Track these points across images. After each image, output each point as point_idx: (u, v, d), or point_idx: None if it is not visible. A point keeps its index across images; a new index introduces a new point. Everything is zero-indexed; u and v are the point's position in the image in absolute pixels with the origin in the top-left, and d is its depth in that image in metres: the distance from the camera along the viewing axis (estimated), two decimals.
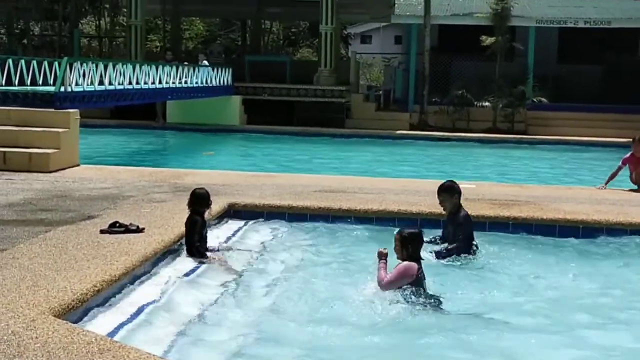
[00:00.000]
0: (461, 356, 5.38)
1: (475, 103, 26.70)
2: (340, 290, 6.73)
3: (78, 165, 12.82)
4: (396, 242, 6.62)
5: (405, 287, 6.39)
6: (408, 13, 28.96)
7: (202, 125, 24.82)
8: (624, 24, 27.26)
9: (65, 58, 13.90)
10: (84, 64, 14.79)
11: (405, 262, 6.52)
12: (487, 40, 26.10)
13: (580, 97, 27.14)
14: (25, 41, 35.63)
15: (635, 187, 11.71)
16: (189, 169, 13.60)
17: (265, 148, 21.66)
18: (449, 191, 8.07)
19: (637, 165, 11.67)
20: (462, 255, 7.78)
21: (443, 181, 8.42)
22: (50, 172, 11.87)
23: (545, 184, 13.71)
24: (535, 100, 26.50)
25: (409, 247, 6.54)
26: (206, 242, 7.60)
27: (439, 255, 7.75)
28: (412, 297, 6.29)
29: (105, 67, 15.96)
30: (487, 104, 26.42)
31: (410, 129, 26.19)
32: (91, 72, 14.80)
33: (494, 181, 14.57)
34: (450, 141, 24.02)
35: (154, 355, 4.34)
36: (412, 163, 19.12)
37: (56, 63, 14.75)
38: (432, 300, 6.33)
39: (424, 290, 6.45)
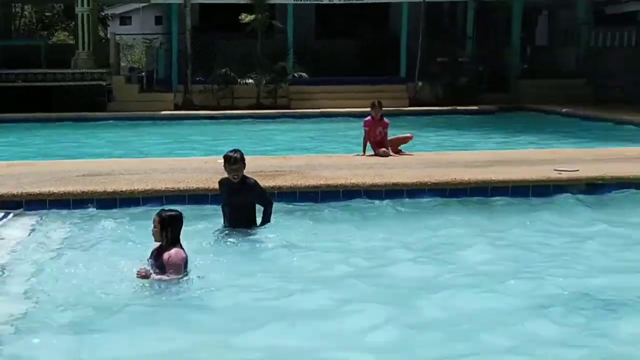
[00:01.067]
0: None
1: (239, 81, 26.95)
2: (100, 275, 6.61)
3: None
4: (155, 224, 6.47)
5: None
6: None
7: None
8: (374, 0, 28.69)
9: None
10: None
11: (174, 251, 6.39)
12: (247, 17, 26.44)
13: (337, 71, 28.26)
14: None
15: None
16: None
17: (21, 137, 20.53)
18: (241, 160, 8.06)
19: (374, 129, 12.51)
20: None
21: (227, 152, 8.24)
22: None
23: (307, 154, 14.19)
24: (295, 75, 27.24)
25: (169, 230, 6.43)
26: None
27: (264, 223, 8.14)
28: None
29: None
30: (250, 81, 26.78)
31: (175, 109, 25.96)
32: None
33: (260, 155, 14.86)
34: (215, 119, 24.14)
35: None
36: (177, 143, 19.02)
37: None
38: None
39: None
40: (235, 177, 8.03)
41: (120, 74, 28.69)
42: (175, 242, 6.45)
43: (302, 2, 28.38)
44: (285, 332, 5.38)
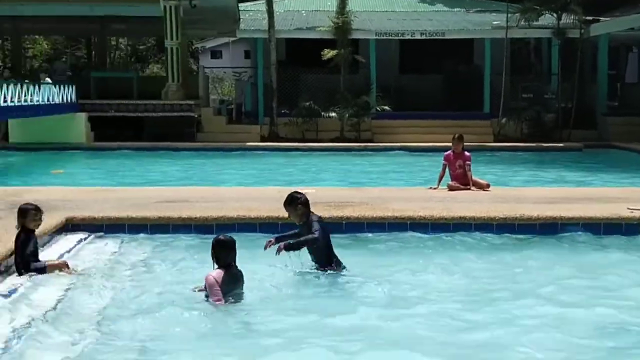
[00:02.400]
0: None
1: (323, 114, 27.41)
2: (170, 297, 6.89)
3: None
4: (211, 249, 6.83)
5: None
6: (253, 27, 29.37)
7: (47, 144, 24.21)
8: (456, 35, 28.77)
9: None
10: None
11: (208, 274, 6.66)
12: (329, 53, 26.96)
13: (421, 105, 28.40)
14: None
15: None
16: (30, 187, 13.32)
17: (113, 165, 21.40)
18: (290, 203, 7.98)
19: (454, 162, 12.52)
20: (325, 268, 7.74)
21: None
22: None
23: (381, 187, 14.33)
24: (378, 109, 27.52)
25: (215, 254, 6.74)
26: (37, 256, 7.55)
27: (288, 246, 7.62)
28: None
29: None
30: (333, 114, 27.19)
31: (261, 141, 26.60)
32: None
33: (338, 186, 15.10)
34: (299, 151, 24.59)
35: None
36: (260, 173, 19.47)
37: None
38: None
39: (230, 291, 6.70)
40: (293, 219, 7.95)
41: (210, 106, 29.56)
42: (223, 266, 6.71)
43: (384, 37, 28.68)
44: None
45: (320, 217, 8.03)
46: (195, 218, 9.55)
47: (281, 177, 18.08)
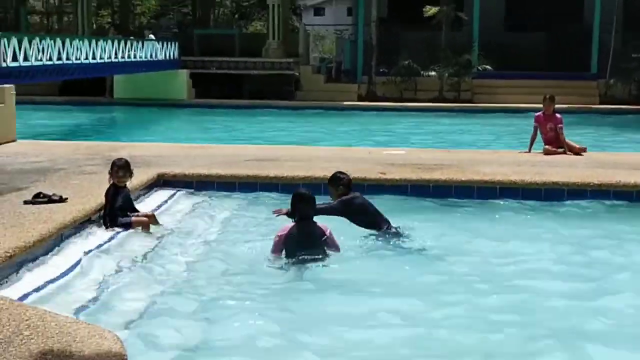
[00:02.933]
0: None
1: (423, 73, 27.00)
2: (250, 255, 6.97)
3: (14, 140, 12.86)
4: None
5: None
6: None
7: (149, 100, 24.83)
8: None
9: None
10: (19, 40, 14.76)
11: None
12: (431, 10, 26.43)
13: (525, 65, 27.56)
14: None
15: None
16: (126, 142, 13.69)
17: (212, 121, 21.78)
18: (332, 182, 8.07)
19: (545, 125, 12.09)
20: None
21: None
22: None
23: (474, 149, 14.04)
24: (480, 68, 26.89)
25: (292, 206, 7.05)
26: (126, 210, 7.75)
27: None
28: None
29: (42, 42, 15.93)
30: (433, 73, 26.75)
31: (359, 100, 26.48)
32: (24, 47, 14.76)
33: (431, 148, 14.89)
34: (396, 111, 24.36)
35: (49, 311, 4.55)
36: (354, 133, 19.42)
37: None
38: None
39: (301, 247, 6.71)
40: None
41: (309, 64, 29.58)
42: (298, 219, 6.90)
43: None
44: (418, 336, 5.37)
45: (355, 195, 7.92)
46: (283, 177, 9.60)
47: (374, 137, 17.99)
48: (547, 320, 5.49)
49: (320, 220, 7.01)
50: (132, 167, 7.90)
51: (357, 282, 6.35)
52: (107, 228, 7.45)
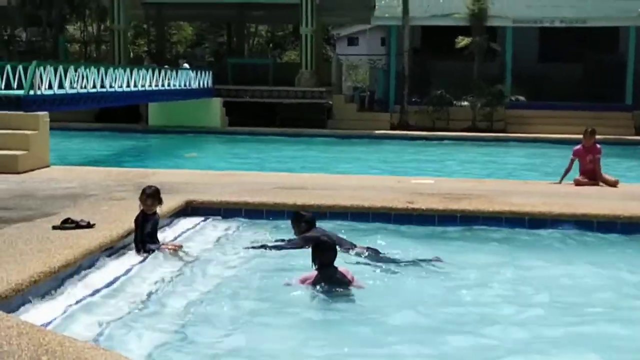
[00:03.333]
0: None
1: (455, 103, 26.98)
2: (277, 285, 6.95)
3: (48, 166, 13.06)
4: None
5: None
6: (387, 15, 29.23)
7: (183, 128, 25.09)
8: (598, 23, 27.55)
9: (34, 62, 14.15)
10: (54, 68, 15.04)
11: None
12: (463, 41, 26.47)
13: (560, 96, 27.42)
14: (12, 47, 35.91)
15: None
16: (156, 169, 13.81)
17: (245, 149, 21.92)
18: (294, 220, 8.33)
19: (585, 157, 12.00)
20: None
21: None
22: (19, 173, 12.10)
23: (504, 179, 13.95)
24: (513, 98, 26.80)
25: (313, 255, 6.87)
26: (155, 237, 7.82)
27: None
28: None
29: (76, 71, 16.22)
30: (466, 103, 26.71)
31: (391, 129, 26.51)
32: (60, 75, 15.04)
33: (462, 177, 14.82)
34: (428, 140, 24.32)
35: (68, 337, 4.58)
36: (384, 162, 19.41)
37: (20, 67, 15.07)
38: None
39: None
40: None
41: (342, 93, 29.71)
42: (320, 267, 6.72)
43: (521, 25, 27.84)
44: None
45: (316, 230, 8.07)
46: (309, 205, 9.60)
47: (405, 167, 17.95)
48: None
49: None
50: (161, 195, 7.97)
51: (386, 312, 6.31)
52: (138, 253, 7.54)
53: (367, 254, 7.82)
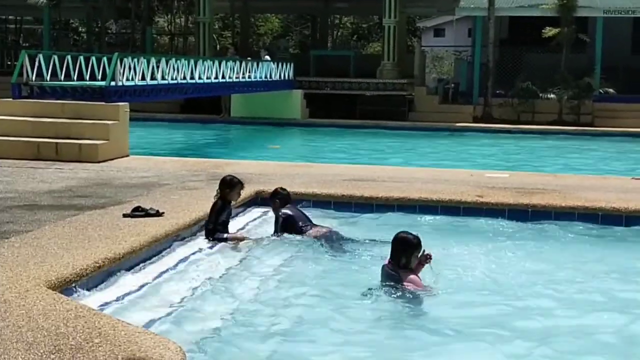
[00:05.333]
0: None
1: (541, 95, 26.37)
2: (347, 277, 6.90)
3: (127, 155, 13.42)
4: None
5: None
6: (473, 5, 28.76)
7: (264, 119, 25.35)
8: None
9: (116, 54, 14.53)
10: (136, 60, 15.42)
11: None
12: (550, 31, 25.81)
13: None
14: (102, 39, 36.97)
15: None
16: (231, 160, 14.00)
17: (323, 140, 22.00)
18: (271, 196, 8.70)
19: None
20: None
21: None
22: (99, 162, 12.48)
23: (582, 174, 13.56)
24: (602, 91, 26.01)
25: (400, 252, 6.46)
26: (227, 226, 7.95)
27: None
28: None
29: (158, 63, 16.58)
30: (552, 95, 26.08)
31: (474, 122, 26.10)
32: (142, 67, 15.41)
33: (535, 172, 14.48)
34: (509, 133, 23.86)
35: (122, 321, 4.71)
36: (466, 154, 19.17)
37: (105, 59, 15.51)
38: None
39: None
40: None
41: (424, 85, 29.43)
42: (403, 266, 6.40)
43: (612, 15, 26.95)
44: None
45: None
46: (377, 197, 9.57)
47: (482, 160, 17.66)
48: None
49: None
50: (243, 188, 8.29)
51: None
52: (206, 238, 7.69)
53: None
